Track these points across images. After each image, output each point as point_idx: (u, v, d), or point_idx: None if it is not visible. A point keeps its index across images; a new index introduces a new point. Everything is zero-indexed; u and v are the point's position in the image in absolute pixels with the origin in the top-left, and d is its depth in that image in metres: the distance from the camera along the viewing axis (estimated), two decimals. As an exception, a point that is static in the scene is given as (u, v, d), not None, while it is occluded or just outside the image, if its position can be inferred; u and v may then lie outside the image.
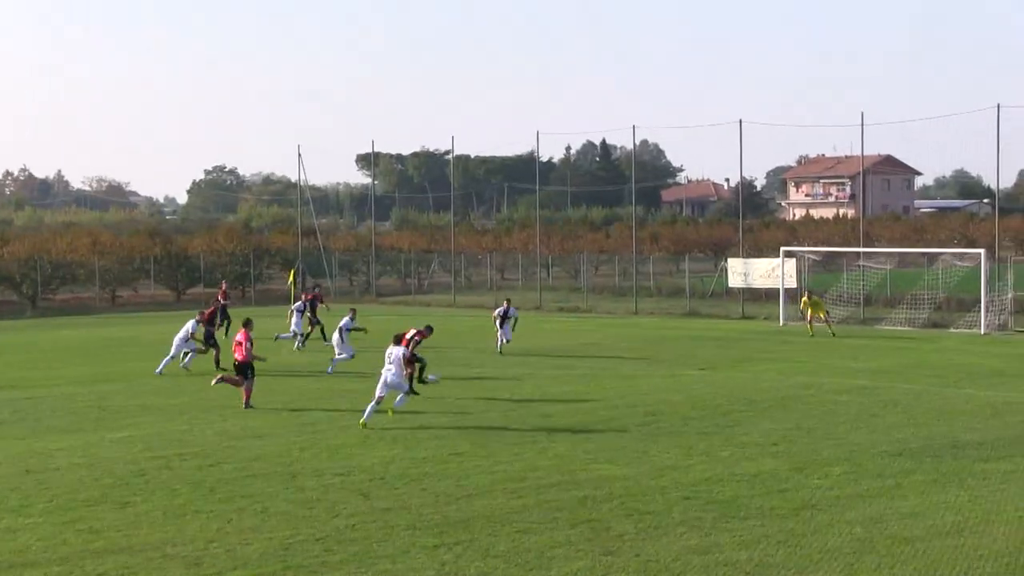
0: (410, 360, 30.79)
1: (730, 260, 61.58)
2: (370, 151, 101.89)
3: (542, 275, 73.20)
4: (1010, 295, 51.18)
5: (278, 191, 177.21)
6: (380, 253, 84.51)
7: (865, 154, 62.79)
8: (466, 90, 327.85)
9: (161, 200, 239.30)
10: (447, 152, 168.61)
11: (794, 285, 56.33)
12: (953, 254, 59.68)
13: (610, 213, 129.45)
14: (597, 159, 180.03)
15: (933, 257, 61.26)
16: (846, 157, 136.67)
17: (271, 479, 22.27)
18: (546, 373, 37.62)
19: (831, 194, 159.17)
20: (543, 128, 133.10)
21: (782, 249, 58.50)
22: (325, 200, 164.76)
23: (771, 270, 57.10)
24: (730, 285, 60.78)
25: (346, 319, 39.91)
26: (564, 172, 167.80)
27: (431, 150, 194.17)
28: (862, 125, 58.58)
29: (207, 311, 41.28)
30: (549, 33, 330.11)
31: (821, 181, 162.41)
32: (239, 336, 31.46)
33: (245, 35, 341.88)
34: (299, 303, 48.10)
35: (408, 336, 32.17)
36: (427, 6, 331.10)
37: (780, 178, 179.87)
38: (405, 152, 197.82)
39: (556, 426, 27.62)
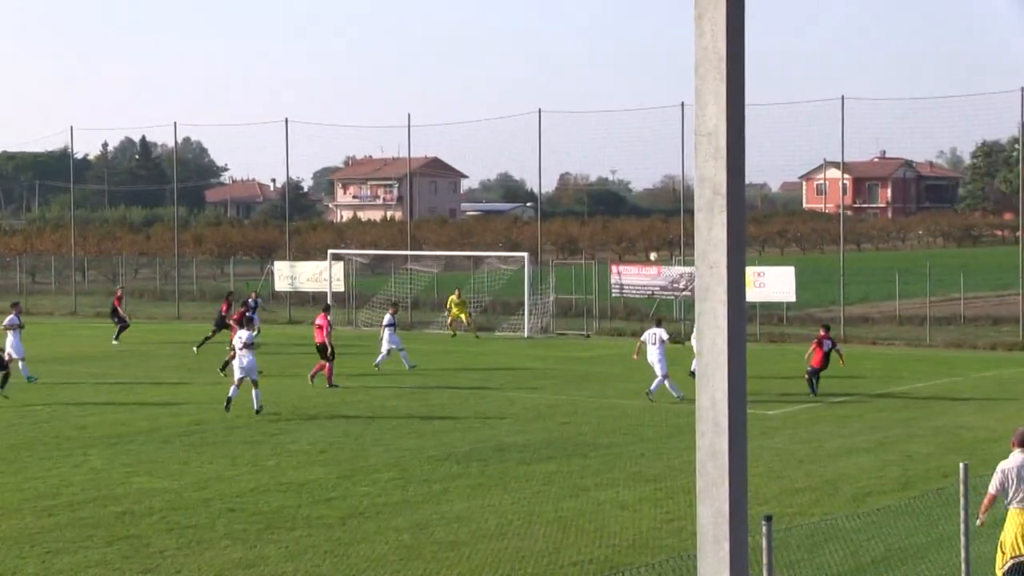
0: None
1: (277, 263, 60.93)
2: None
3: (77, 278, 70.29)
4: (552, 298, 52.90)
5: None
6: (-102, 255, 79.08)
7: (412, 156, 63.61)
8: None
9: None
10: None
11: (342, 288, 56.33)
12: (498, 257, 61.35)
13: (151, 213, 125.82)
14: (137, 157, 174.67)
15: (479, 260, 62.77)
16: (393, 159, 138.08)
17: None
18: (83, 382, 35.95)
19: (379, 196, 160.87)
20: (78, 123, 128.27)
21: (329, 252, 58.40)
22: None
23: (318, 273, 56.90)
24: (277, 288, 60.15)
25: None
26: (101, 170, 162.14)
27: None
28: (409, 127, 59.29)
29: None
30: (83, 20, 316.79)
31: (369, 183, 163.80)
32: (319, 320, 34.49)
33: None
34: None
35: None
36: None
37: (327, 179, 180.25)
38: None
39: (92, 438, 26.39)
